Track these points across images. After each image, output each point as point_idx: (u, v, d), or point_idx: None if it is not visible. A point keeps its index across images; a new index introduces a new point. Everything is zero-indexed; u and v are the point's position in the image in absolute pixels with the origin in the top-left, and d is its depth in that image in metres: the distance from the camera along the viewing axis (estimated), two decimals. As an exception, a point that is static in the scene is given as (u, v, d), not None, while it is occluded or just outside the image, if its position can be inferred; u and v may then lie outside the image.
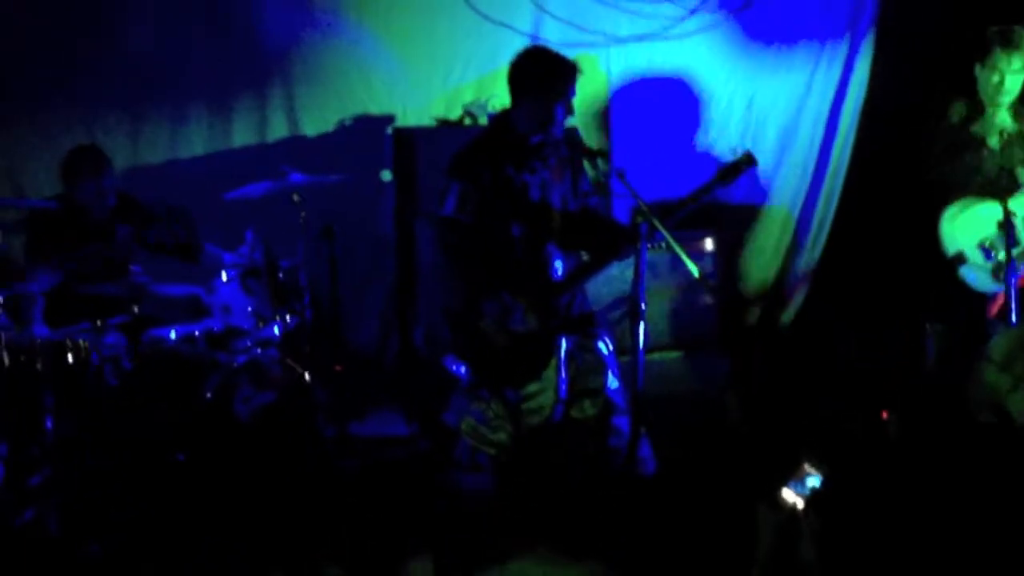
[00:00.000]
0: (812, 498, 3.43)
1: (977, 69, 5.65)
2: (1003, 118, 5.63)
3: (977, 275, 5.69)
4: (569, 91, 4.68)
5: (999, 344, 4.59)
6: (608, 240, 4.72)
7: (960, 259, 5.71)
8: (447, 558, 3.31)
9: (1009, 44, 5.54)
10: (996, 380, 4.12)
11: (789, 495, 3.46)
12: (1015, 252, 5.58)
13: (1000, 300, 5.69)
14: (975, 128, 5.69)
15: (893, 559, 3.21)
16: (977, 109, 5.72)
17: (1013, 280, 5.36)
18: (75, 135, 6.26)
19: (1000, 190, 5.55)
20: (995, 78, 5.59)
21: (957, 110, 5.74)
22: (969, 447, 3.73)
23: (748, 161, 4.59)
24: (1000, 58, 5.56)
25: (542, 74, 4.69)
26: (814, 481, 3.48)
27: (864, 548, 3.25)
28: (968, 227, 5.72)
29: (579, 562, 3.32)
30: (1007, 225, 5.44)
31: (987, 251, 5.63)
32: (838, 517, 3.37)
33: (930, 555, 3.21)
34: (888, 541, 3.27)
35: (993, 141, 5.64)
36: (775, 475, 3.56)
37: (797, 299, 7.94)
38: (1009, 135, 5.57)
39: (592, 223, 4.89)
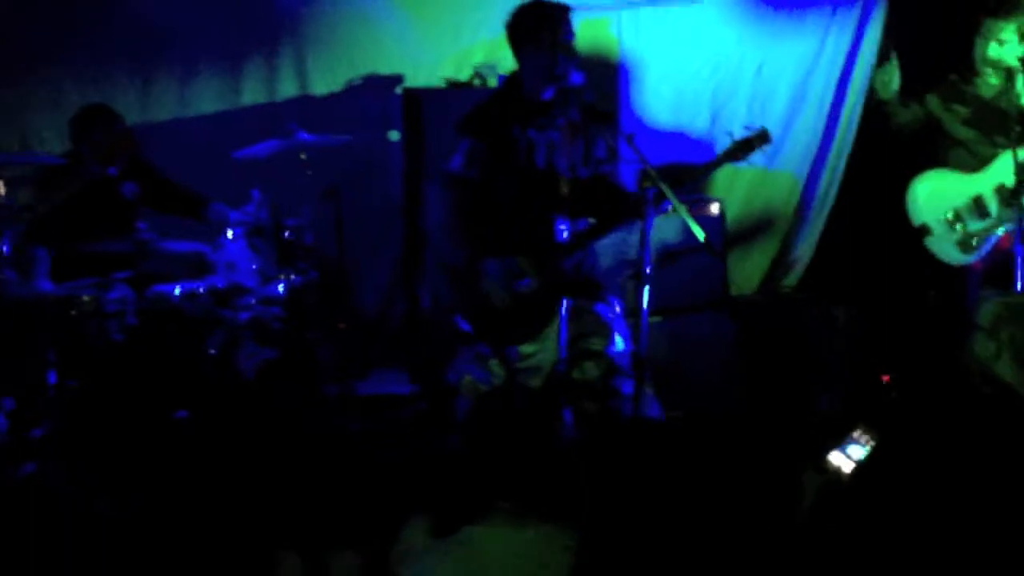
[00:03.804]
0: (860, 463, 3.41)
1: (976, 40, 5.65)
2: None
3: (943, 247, 5.73)
4: (564, 33, 4.66)
5: (987, 311, 4.61)
6: (616, 209, 4.72)
7: (925, 230, 5.74)
8: (443, 517, 3.33)
9: (1000, 12, 5.53)
10: (984, 348, 4.13)
11: (837, 458, 3.45)
12: (986, 225, 5.61)
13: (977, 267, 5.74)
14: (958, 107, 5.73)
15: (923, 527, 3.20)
16: (958, 93, 5.74)
17: (1020, 249, 5.35)
18: (84, 93, 6.27)
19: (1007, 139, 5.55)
20: (987, 48, 5.58)
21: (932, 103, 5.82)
22: (968, 416, 3.74)
23: (762, 138, 4.59)
24: (992, 27, 5.55)
25: (533, 20, 4.70)
26: (863, 447, 3.46)
27: (904, 513, 3.24)
28: (933, 200, 5.75)
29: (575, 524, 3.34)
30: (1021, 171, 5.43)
31: (951, 224, 5.67)
32: (882, 483, 3.36)
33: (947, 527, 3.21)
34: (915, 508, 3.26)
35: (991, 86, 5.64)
36: (824, 439, 3.55)
37: (802, 263, 7.94)
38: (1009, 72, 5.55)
39: (601, 191, 4.87)
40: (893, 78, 5.79)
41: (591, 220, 4.83)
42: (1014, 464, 3.42)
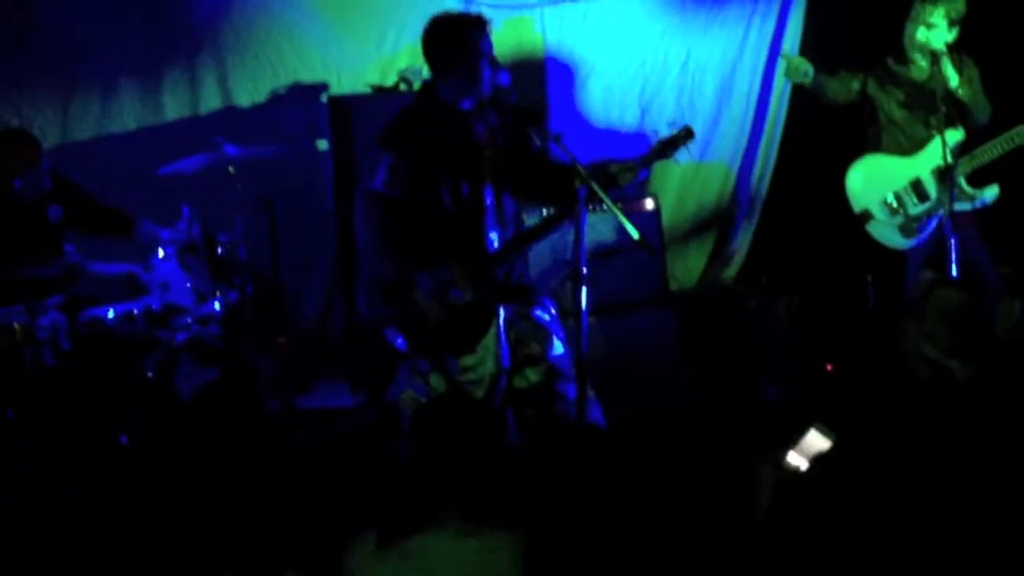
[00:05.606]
0: (818, 462, 3.41)
1: (907, 24, 5.69)
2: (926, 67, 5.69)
3: (884, 231, 5.79)
4: (484, 47, 4.60)
5: (917, 294, 4.65)
6: (559, 180, 4.66)
7: (867, 216, 5.80)
8: (390, 529, 3.29)
9: None
10: (914, 330, 4.16)
11: (794, 458, 3.43)
12: (925, 207, 5.68)
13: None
14: (890, 88, 5.78)
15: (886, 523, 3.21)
16: (894, 76, 5.80)
17: (953, 238, 5.38)
18: (2, 112, 6.14)
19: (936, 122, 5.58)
20: (916, 32, 5.62)
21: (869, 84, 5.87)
22: (908, 401, 3.77)
23: (687, 135, 4.60)
24: (921, 11, 5.59)
25: (451, 40, 4.61)
26: (822, 445, 3.45)
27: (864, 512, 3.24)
28: (872, 185, 5.82)
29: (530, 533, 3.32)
30: (949, 151, 5.47)
31: (892, 208, 5.73)
32: (841, 481, 3.36)
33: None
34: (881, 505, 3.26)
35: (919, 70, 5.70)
36: (781, 438, 3.55)
37: (740, 254, 7.98)
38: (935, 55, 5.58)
39: (540, 165, 4.84)
40: (804, 64, 5.83)
41: (524, 225, 4.82)
42: (950, 445, 3.45)
